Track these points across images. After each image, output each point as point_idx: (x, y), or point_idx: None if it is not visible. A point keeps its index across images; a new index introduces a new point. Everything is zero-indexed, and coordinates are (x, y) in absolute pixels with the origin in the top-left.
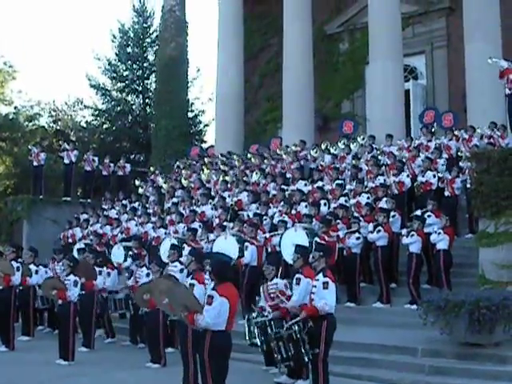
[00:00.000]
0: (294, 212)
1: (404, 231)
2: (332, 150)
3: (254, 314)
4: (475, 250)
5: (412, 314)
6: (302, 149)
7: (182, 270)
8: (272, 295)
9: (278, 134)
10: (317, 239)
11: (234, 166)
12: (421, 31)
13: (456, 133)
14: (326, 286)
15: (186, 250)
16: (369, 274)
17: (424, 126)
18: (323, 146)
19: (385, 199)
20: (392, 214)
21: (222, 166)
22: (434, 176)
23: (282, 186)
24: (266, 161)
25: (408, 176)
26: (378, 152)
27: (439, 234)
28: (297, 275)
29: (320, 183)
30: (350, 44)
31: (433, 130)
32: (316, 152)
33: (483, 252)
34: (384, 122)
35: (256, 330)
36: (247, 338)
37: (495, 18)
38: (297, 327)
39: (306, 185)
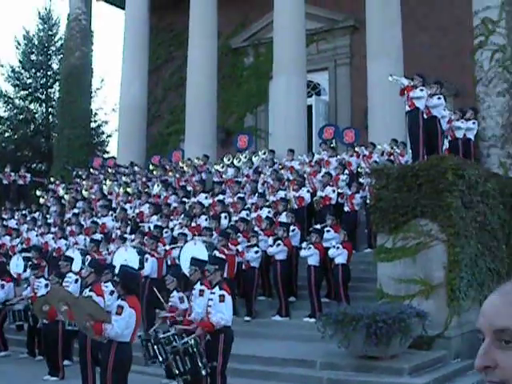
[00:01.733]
0: (194, 225)
1: (304, 244)
2: (236, 163)
3: (157, 333)
4: (374, 265)
5: (311, 327)
6: (205, 163)
7: (76, 281)
8: (172, 307)
9: (180, 146)
10: (216, 252)
11: (137, 178)
12: (325, 48)
13: (357, 149)
14: (222, 299)
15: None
16: (268, 287)
17: (323, 142)
18: (226, 160)
19: (285, 213)
20: (292, 228)
21: (124, 178)
22: (334, 191)
23: (183, 199)
24: (170, 173)
25: (308, 191)
26: (280, 166)
27: (338, 248)
28: (200, 287)
29: (221, 196)
30: (254, 58)
31: (332, 145)
32: (223, 167)
33: (381, 267)
34: (286, 136)
35: (157, 347)
36: (146, 356)
37: (397, 37)
38: (193, 341)
39: (206, 198)
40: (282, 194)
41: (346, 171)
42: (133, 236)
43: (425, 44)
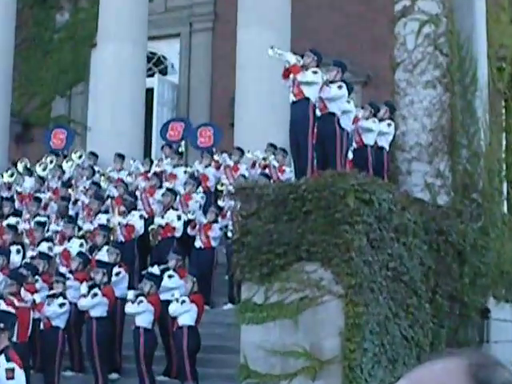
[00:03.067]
0: None
1: (130, 295)
2: (39, 171)
3: None
4: (236, 328)
5: None
6: None
7: None
8: None
9: None
10: (1, 303)
11: None
12: (177, 5)
13: (216, 157)
14: (11, 374)
15: None
16: (79, 357)
17: (167, 145)
18: (20, 166)
19: (106, 248)
20: (116, 270)
21: None
22: (179, 218)
23: None
24: None
25: (141, 216)
26: (102, 178)
27: (183, 302)
28: None
29: (12, 220)
30: (72, 16)
31: (179, 150)
32: (12, 175)
33: (247, 331)
34: (114, 133)
35: None
36: None
37: (284, 2)
38: None
39: None
40: (102, 218)
41: (201, 189)
42: None
43: (323, 9)
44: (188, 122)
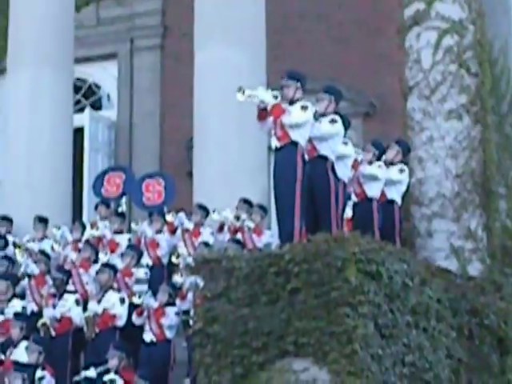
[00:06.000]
0: None
1: None
2: None
3: None
4: None
5: None
6: None
7: None
8: None
9: None
10: None
11: None
12: (113, 16)
13: (169, 218)
14: None
15: None
16: None
17: (103, 203)
18: None
19: (24, 344)
20: (39, 374)
21: None
22: (123, 301)
23: None
24: None
25: (78, 302)
26: (17, 250)
27: None
28: None
29: None
30: None
31: (120, 209)
32: None
33: None
34: (29, 188)
35: None
36: None
37: (258, 5)
38: None
39: None
40: (17, 305)
41: (148, 260)
42: None
43: (307, 19)
44: (129, 173)
